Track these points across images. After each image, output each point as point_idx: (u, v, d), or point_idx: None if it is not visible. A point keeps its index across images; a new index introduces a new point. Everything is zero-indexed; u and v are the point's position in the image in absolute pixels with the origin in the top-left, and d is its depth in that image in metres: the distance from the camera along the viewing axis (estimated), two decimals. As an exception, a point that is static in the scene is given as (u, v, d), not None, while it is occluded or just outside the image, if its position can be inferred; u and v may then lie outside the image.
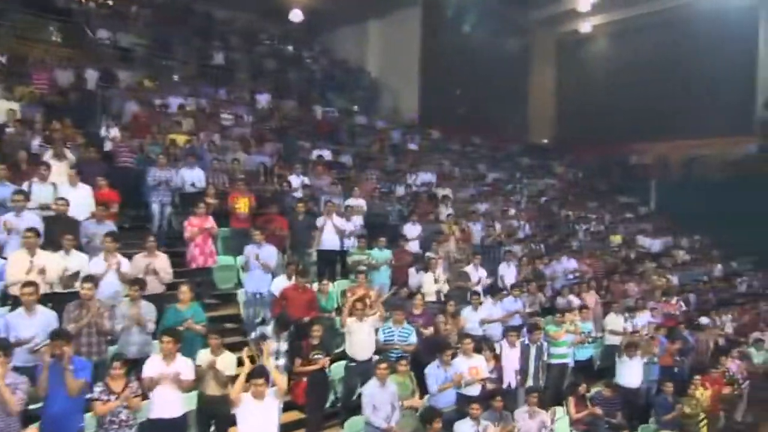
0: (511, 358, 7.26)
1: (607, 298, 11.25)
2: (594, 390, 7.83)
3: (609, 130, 24.95)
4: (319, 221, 9.17)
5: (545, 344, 7.67)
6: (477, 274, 9.35)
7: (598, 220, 17.53)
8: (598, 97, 26.62)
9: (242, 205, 8.96)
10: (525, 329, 7.81)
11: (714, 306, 12.66)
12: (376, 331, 6.77)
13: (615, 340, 9.42)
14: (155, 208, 8.96)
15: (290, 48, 21.26)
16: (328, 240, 9.09)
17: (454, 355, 6.58)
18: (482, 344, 7.20)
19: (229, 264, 8.62)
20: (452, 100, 23.21)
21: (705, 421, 8.01)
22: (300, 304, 6.96)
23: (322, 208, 9.79)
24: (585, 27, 26.89)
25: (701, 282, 14.30)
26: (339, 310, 7.78)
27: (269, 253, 7.79)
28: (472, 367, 6.57)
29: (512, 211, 14.39)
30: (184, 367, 5.14)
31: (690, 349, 9.69)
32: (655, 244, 16.92)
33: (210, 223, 8.01)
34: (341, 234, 9.20)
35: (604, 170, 25.45)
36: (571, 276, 11.58)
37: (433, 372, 6.35)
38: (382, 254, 8.98)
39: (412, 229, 10.58)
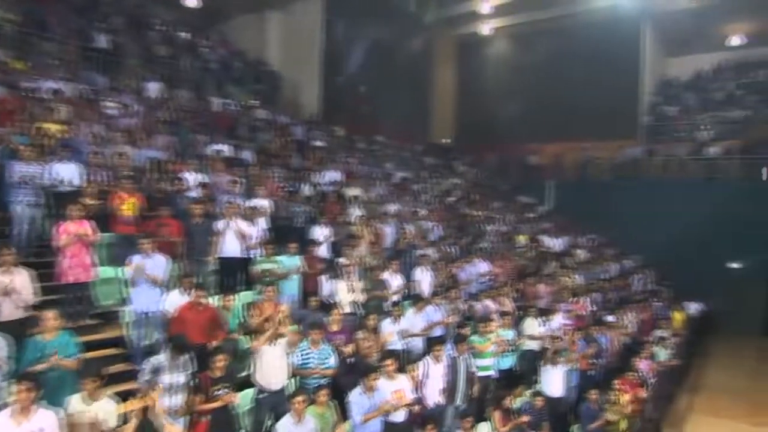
0: (436, 374, 6.64)
1: (521, 301, 11.07)
2: (519, 400, 7.49)
3: (507, 130, 25.49)
4: (219, 225, 8.12)
5: (470, 357, 7.17)
6: (395, 281, 8.71)
7: (502, 221, 17.61)
8: (496, 99, 27.15)
9: (128, 206, 7.72)
10: (449, 341, 7.24)
11: (616, 305, 12.92)
12: (290, 354, 5.89)
13: (532, 344, 9.24)
14: (18, 210, 7.48)
15: (184, 35, 19.57)
16: (230, 246, 8.08)
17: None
18: (406, 363, 6.58)
19: (111, 277, 7.35)
20: (355, 97, 22.66)
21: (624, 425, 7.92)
22: (199, 325, 5.90)
23: (222, 209, 8.73)
24: (485, 29, 27.37)
25: (603, 281, 14.63)
26: (243, 325, 6.87)
27: (159, 263, 6.68)
28: (396, 390, 5.88)
29: (423, 212, 13.98)
30: (46, 424, 4.00)
31: (603, 351, 9.68)
32: (557, 244, 17.23)
33: (87, 228, 6.77)
34: (244, 239, 8.22)
35: (503, 170, 26.03)
36: (484, 279, 11.32)
37: (357, 400, 5.58)
38: (292, 261, 8.08)
39: (321, 232, 9.76)
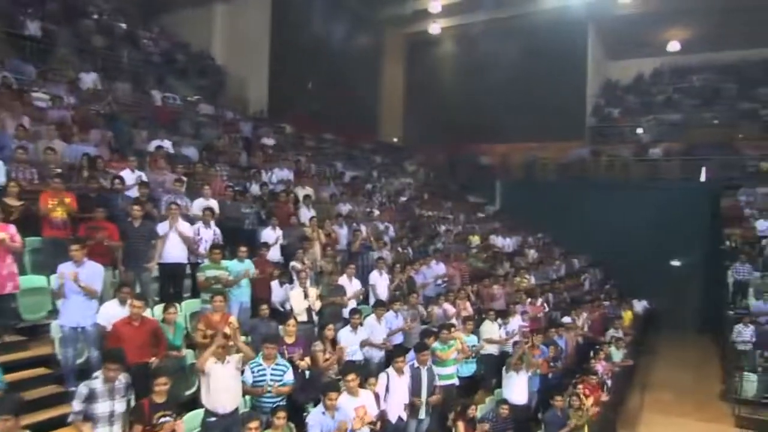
0: (399, 388, 6.24)
1: (477, 303, 10.87)
2: (482, 408, 7.24)
3: (455, 130, 25.47)
4: (161, 228, 7.47)
5: (433, 366, 6.83)
6: (352, 286, 8.28)
7: (454, 221, 17.47)
8: (445, 98, 27.12)
9: (58, 208, 6.96)
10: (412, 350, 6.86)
11: (569, 305, 12.95)
12: (243, 371, 5.36)
13: (491, 348, 9.03)
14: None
15: (123, 25, 18.47)
16: (173, 251, 7.44)
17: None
18: (365, 375, 6.15)
19: (39, 286, 6.58)
20: (303, 94, 22.07)
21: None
22: (137, 342, 5.26)
23: (164, 210, 8.07)
24: (434, 28, 27.25)
25: (556, 281, 14.68)
26: (188, 338, 6.30)
27: (93, 272, 5.95)
28: (358, 407, 5.46)
29: (376, 212, 13.61)
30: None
31: (561, 353, 9.58)
32: (508, 244, 17.24)
33: (10, 232, 6.03)
34: (189, 243, 7.60)
35: (452, 170, 26.01)
36: (440, 282, 11.06)
37: (318, 419, 5.10)
38: (242, 266, 7.50)
39: (271, 235, 9.22)
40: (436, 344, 7.20)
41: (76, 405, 4.46)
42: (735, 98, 23.43)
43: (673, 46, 25.81)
